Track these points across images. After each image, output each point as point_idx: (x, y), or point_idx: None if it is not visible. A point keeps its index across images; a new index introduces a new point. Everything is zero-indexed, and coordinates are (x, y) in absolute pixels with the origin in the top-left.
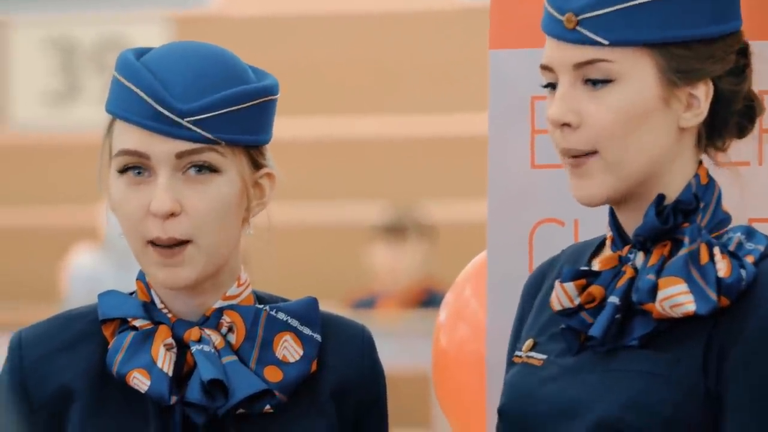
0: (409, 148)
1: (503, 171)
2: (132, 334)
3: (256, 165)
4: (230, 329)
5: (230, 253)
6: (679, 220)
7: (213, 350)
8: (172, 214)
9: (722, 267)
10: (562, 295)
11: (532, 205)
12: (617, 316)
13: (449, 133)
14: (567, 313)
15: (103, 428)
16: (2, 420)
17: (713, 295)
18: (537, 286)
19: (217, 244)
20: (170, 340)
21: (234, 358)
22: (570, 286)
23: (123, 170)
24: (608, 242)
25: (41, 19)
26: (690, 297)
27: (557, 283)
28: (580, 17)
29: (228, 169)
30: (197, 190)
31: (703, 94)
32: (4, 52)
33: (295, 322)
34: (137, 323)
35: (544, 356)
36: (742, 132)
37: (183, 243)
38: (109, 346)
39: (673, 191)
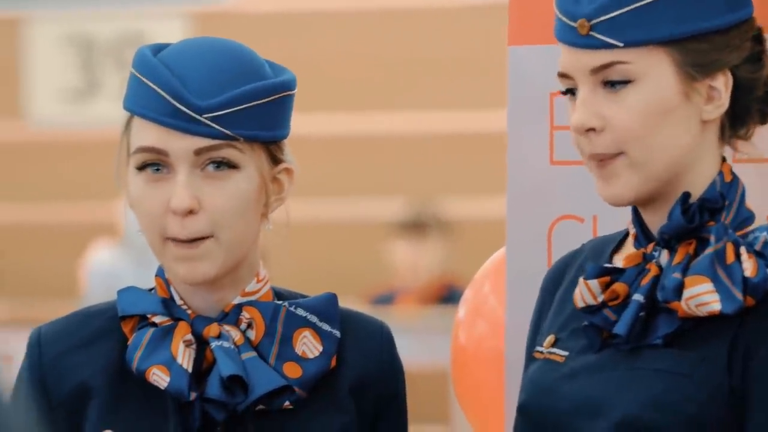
0: (429, 144)
1: (522, 167)
2: (151, 330)
3: (275, 160)
4: (249, 325)
5: (249, 248)
6: (704, 219)
7: (232, 346)
8: (191, 211)
9: (749, 267)
10: (586, 293)
11: (550, 201)
12: (641, 314)
13: (468, 130)
14: (590, 310)
15: (122, 425)
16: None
17: (739, 295)
18: (557, 280)
19: (236, 240)
20: (189, 337)
21: (253, 354)
22: (594, 283)
23: (141, 167)
24: (631, 239)
25: (59, 15)
26: (716, 296)
27: (581, 280)
28: (593, 22)
29: (247, 165)
30: (216, 187)
31: (723, 84)
32: (22, 48)
33: (314, 318)
34: (156, 320)
35: (566, 353)
36: (765, 118)
37: (203, 237)
38: (129, 343)
39: (697, 189)
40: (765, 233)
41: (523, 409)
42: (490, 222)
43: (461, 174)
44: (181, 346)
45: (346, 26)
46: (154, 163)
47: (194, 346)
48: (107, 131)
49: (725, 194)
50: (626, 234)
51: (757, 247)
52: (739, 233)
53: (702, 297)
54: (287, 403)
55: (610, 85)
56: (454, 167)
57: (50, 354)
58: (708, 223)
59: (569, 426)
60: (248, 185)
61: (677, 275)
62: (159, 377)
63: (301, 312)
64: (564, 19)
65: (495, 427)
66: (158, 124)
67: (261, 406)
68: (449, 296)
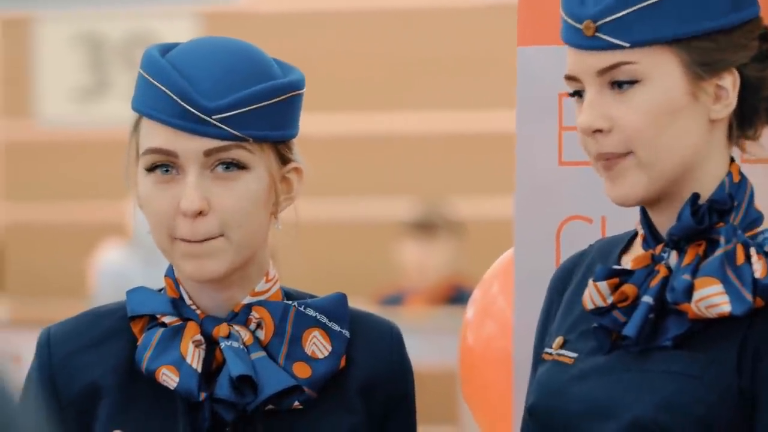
0: (438, 144)
1: (531, 168)
2: (161, 330)
3: (284, 160)
4: (259, 325)
5: (258, 247)
6: (714, 220)
7: (242, 346)
8: (201, 213)
9: (759, 268)
10: (595, 294)
11: (559, 201)
12: (651, 315)
13: (478, 130)
14: (599, 311)
15: (131, 425)
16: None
17: (749, 296)
18: (565, 280)
19: (246, 239)
20: (199, 337)
21: (263, 354)
22: (603, 285)
23: (151, 168)
24: (639, 240)
25: (69, 14)
26: (725, 298)
27: (590, 282)
28: (598, 23)
29: (256, 166)
30: (226, 188)
31: (730, 84)
32: (32, 48)
33: (323, 318)
34: (166, 320)
35: (575, 354)
36: None
37: (212, 237)
38: (138, 343)
39: (705, 189)
40: None
41: (532, 411)
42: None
43: (470, 174)
44: (191, 346)
45: (355, 26)
46: (164, 164)
47: (204, 346)
48: (116, 131)
49: (734, 195)
50: (634, 235)
51: (767, 248)
52: (748, 234)
53: (712, 299)
54: (296, 403)
55: (617, 85)
56: (463, 167)
57: (60, 354)
58: (717, 225)
59: (579, 428)
60: (258, 186)
61: (687, 277)
62: (168, 377)
63: (310, 312)
64: (570, 21)
65: (503, 427)
66: (167, 125)
67: (270, 406)
68: (458, 297)
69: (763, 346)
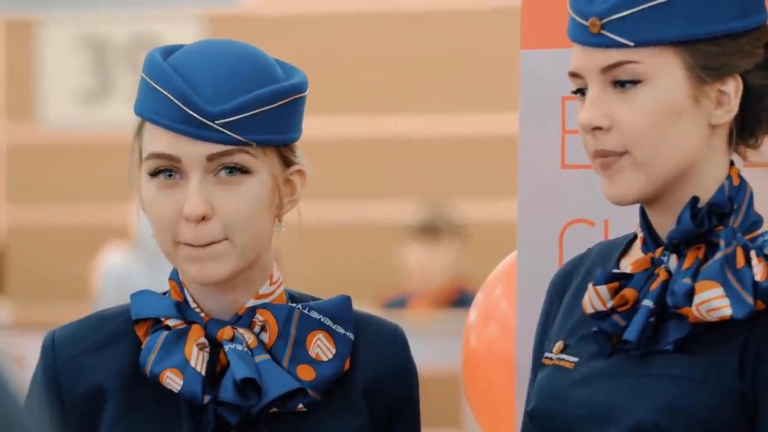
0: (441, 147)
1: (533, 171)
2: (165, 333)
3: (287, 162)
4: (263, 328)
5: (262, 250)
6: (713, 223)
7: (246, 349)
8: (204, 218)
9: (759, 271)
10: (595, 298)
11: (562, 205)
12: (651, 319)
13: (480, 133)
14: (599, 316)
15: (135, 428)
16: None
17: (750, 299)
18: (564, 284)
19: (250, 242)
20: (203, 340)
21: (267, 356)
22: (602, 289)
23: (154, 173)
24: (638, 243)
25: (73, 17)
26: (726, 301)
27: (590, 286)
28: (604, 21)
29: (259, 170)
30: (229, 192)
31: (733, 90)
32: (36, 50)
33: (328, 321)
34: (170, 323)
35: (576, 359)
36: None
37: (216, 241)
38: (143, 346)
39: (705, 192)
40: None
41: (533, 416)
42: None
43: (473, 177)
44: (195, 349)
45: (359, 29)
46: (167, 169)
47: (208, 349)
48: (120, 133)
49: (734, 198)
50: (633, 238)
51: (767, 251)
52: (747, 237)
53: (713, 302)
54: (301, 405)
55: (620, 84)
56: (466, 170)
57: (64, 356)
58: (717, 228)
59: None
60: (261, 189)
61: (687, 280)
62: (173, 380)
63: (314, 314)
64: (576, 17)
65: (505, 430)
66: (170, 130)
67: (274, 409)
68: (461, 300)
69: (764, 349)
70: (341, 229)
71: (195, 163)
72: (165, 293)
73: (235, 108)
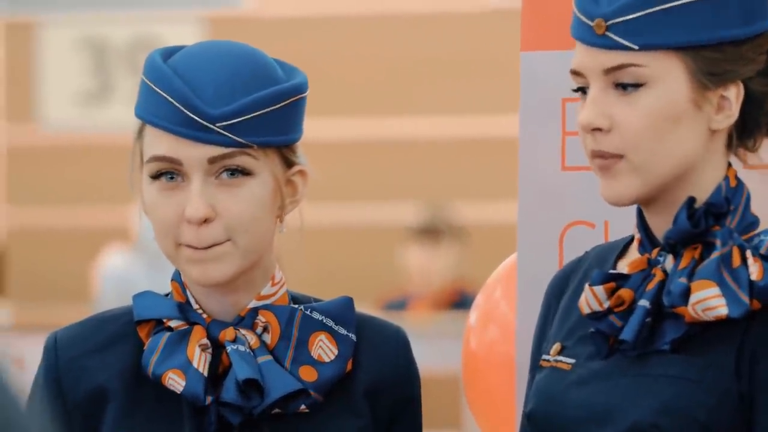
0: (441, 149)
1: (534, 173)
2: (167, 334)
3: (288, 163)
4: (265, 329)
5: (264, 251)
6: (710, 223)
7: (248, 350)
8: (206, 220)
9: (755, 270)
10: (592, 299)
11: (562, 206)
12: (648, 319)
13: (480, 135)
14: (596, 316)
15: (137, 429)
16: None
17: (745, 299)
18: (562, 287)
19: (252, 244)
20: (205, 341)
21: (269, 357)
22: (599, 289)
23: (155, 176)
24: (635, 244)
25: (73, 18)
26: (722, 300)
27: (587, 287)
28: (610, 23)
29: (261, 171)
30: (231, 194)
31: (734, 95)
32: (36, 52)
33: (330, 322)
34: (172, 324)
35: (573, 360)
36: None
37: (218, 243)
38: (145, 347)
39: (702, 193)
40: None
41: (530, 417)
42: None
43: (473, 179)
44: (197, 350)
45: (359, 31)
46: (168, 171)
47: (210, 350)
48: (121, 135)
49: (730, 199)
50: (630, 240)
51: (763, 250)
52: (744, 237)
53: (708, 301)
54: (303, 406)
55: (622, 87)
56: (467, 172)
57: (66, 357)
58: (713, 228)
59: None
60: (263, 191)
61: (683, 280)
62: (175, 381)
63: (316, 316)
64: (581, 17)
65: (506, 431)
66: (171, 133)
67: (277, 410)
68: (461, 301)
69: (760, 349)
70: (342, 230)
71: (196, 165)
72: (167, 294)
73: (236, 110)
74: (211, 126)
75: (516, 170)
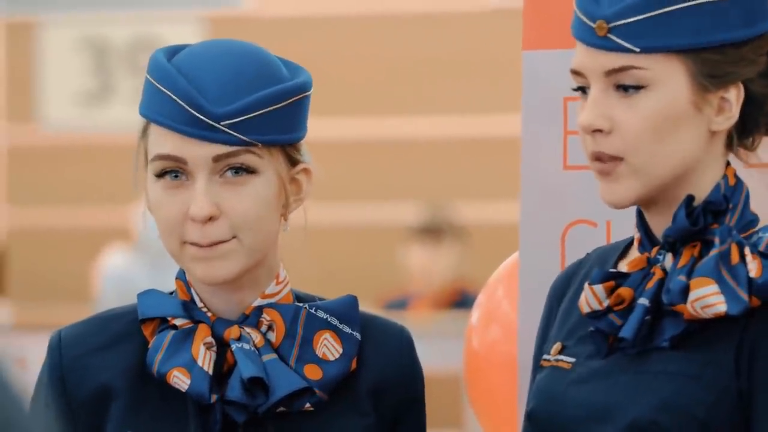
0: (443, 148)
1: (536, 172)
2: (172, 333)
3: (293, 161)
4: (270, 327)
5: (269, 249)
6: (708, 221)
7: (253, 348)
8: (211, 218)
9: (753, 267)
10: (591, 298)
11: (564, 206)
12: (647, 317)
13: (482, 134)
14: (596, 315)
15: (142, 427)
16: (41, 416)
17: (744, 296)
18: (563, 289)
19: (257, 242)
20: (210, 339)
21: (274, 356)
22: (599, 288)
23: (160, 174)
24: (635, 244)
25: (74, 18)
26: (721, 298)
27: (586, 286)
28: (612, 25)
29: (265, 170)
30: (235, 192)
31: (735, 97)
32: (36, 52)
33: (334, 321)
34: (177, 322)
35: (573, 359)
36: None
37: (223, 241)
38: (149, 346)
39: (701, 192)
40: None
41: (531, 417)
42: (503, 226)
43: (475, 178)
44: (202, 348)
45: (360, 30)
46: (173, 170)
47: (215, 349)
48: (121, 135)
49: (729, 197)
50: (631, 242)
51: (761, 247)
52: (743, 235)
53: (707, 299)
54: (308, 405)
55: (623, 89)
56: (468, 171)
57: (70, 355)
58: (712, 226)
59: (578, 431)
60: (267, 189)
61: (682, 278)
62: (180, 380)
63: (321, 314)
64: (583, 17)
65: (508, 430)
66: (175, 132)
67: (281, 408)
68: (462, 301)
69: (758, 345)
70: (342, 230)
71: (201, 164)
72: (171, 293)
73: (240, 109)
74: (216, 125)
75: (517, 169)
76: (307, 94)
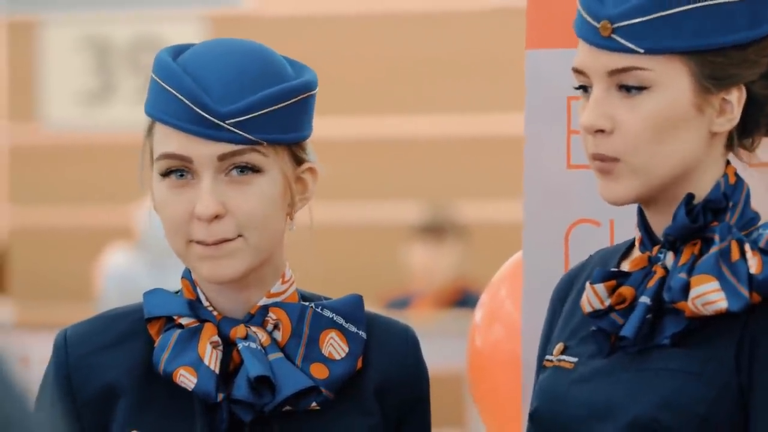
0: (446, 147)
1: (539, 171)
2: (178, 331)
3: (298, 160)
4: (276, 326)
5: (275, 248)
6: (708, 219)
7: (259, 347)
8: (217, 216)
9: (754, 264)
10: (593, 297)
11: (567, 205)
12: (648, 315)
13: (486, 133)
14: (597, 314)
15: (149, 426)
16: (47, 415)
17: (745, 292)
18: (566, 290)
19: (263, 241)
20: (216, 338)
21: (280, 355)
22: (600, 287)
23: (165, 173)
24: (637, 243)
25: (75, 18)
26: (721, 294)
27: (588, 285)
28: (616, 25)
29: (270, 169)
30: (241, 191)
31: (736, 99)
32: (38, 51)
33: (340, 320)
34: (183, 321)
35: (575, 359)
36: None
37: (229, 239)
38: (155, 345)
39: (701, 191)
40: None
41: (534, 417)
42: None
43: (478, 177)
44: (208, 347)
45: (362, 29)
46: (178, 169)
47: (221, 348)
48: (123, 135)
49: (729, 195)
50: (633, 242)
51: (761, 244)
52: (744, 233)
53: (708, 296)
54: (314, 404)
55: (626, 89)
56: (471, 170)
57: (76, 354)
58: (712, 224)
59: (580, 430)
60: (273, 188)
61: (683, 275)
62: (186, 378)
63: (327, 313)
64: (587, 17)
65: (511, 429)
66: (181, 131)
67: (288, 407)
68: (465, 300)
69: (758, 341)
70: (345, 229)
71: (206, 163)
72: (177, 292)
73: (246, 107)
74: (221, 123)
75: (520, 169)
76: (312, 92)
